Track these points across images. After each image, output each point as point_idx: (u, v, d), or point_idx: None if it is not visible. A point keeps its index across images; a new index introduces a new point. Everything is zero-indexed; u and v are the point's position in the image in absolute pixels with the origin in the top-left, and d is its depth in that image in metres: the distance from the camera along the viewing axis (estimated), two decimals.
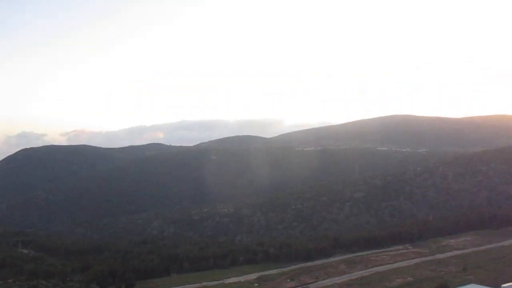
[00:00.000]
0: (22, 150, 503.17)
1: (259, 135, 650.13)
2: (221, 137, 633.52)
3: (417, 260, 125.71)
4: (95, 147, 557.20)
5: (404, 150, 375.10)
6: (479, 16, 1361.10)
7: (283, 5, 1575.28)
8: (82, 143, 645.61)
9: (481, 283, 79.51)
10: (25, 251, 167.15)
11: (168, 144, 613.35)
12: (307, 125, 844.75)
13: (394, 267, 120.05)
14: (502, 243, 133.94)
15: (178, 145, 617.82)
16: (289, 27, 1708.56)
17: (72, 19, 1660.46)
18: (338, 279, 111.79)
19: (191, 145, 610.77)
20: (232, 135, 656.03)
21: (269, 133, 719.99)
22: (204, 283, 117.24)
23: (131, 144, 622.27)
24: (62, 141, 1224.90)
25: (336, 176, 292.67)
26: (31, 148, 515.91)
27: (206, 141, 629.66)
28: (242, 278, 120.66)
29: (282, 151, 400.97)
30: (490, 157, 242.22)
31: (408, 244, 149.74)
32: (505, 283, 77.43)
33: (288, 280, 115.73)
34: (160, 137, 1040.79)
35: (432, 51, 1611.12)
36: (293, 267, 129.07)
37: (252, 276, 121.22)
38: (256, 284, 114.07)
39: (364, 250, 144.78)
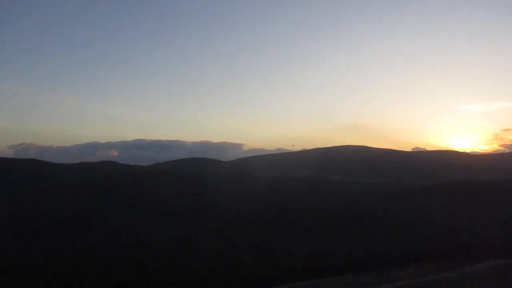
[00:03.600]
0: None
1: (217, 158, 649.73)
2: (179, 158, 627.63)
3: None
4: (44, 161, 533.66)
5: (356, 180, 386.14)
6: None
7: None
8: (30, 157, 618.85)
9: None
10: None
11: (123, 163, 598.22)
12: (264, 150, 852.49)
13: None
14: (448, 274, 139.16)
15: (133, 163, 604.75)
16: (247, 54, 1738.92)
17: None
18: None
19: (146, 164, 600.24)
20: (189, 156, 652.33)
21: (227, 157, 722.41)
22: None
23: (83, 161, 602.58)
24: (9, 154, 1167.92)
25: (290, 203, 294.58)
26: None
27: (163, 161, 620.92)
28: None
29: (238, 175, 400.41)
30: (436, 190, 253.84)
31: (357, 273, 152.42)
32: None
33: None
34: (114, 155, 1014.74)
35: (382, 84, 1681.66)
36: None
37: None
38: None
39: (316, 277, 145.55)
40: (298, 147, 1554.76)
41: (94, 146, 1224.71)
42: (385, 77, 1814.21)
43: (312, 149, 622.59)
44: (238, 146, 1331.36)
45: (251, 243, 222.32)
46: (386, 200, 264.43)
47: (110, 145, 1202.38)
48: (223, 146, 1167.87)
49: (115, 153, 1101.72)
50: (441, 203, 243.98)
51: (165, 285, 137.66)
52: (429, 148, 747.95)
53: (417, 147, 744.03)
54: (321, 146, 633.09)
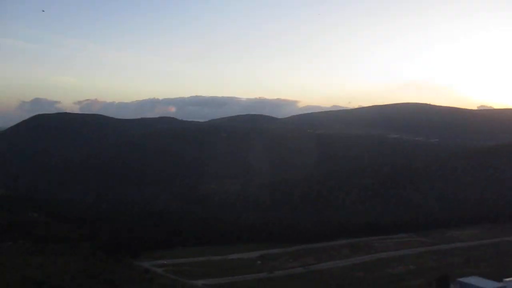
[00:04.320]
0: (36, 116, 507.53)
1: (271, 115, 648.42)
2: (233, 115, 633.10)
3: (421, 249, 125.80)
4: (107, 117, 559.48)
5: (415, 139, 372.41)
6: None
7: None
8: (94, 112, 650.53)
9: (483, 276, 79.31)
10: (36, 215, 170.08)
11: (180, 119, 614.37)
12: (319, 107, 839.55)
13: (397, 254, 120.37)
14: (508, 238, 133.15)
15: (190, 120, 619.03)
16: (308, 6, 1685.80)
17: None
18: (340, 263, 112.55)
19: (202, 120, 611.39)
20: (245, 113, 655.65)
21: (282, 114, 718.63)
22: (208, 257, 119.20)
23: (143, 117, 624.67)
24: (75, 109, 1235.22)
25: (346, 161, 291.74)
26: (45, 115, 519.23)
27: (217, 118, 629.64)
28: (245, 255, 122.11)
29: (293, 133, 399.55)
30: (502, 151, 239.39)
31: (413, 232, 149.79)
32: (507, 277, 77.20)
33: (291, 260, 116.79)
34: (171, 111, 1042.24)
35: (451, 40, 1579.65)
36: (296, 247, 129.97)
37: (255, 254, 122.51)
38: (259, 262, 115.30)
39: (368, 236, 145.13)
40: (354, 104, 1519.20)
41: (153, 102, 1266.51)
42: (450, 32, 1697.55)
43: (370, 107, 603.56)
44: (292, 103, 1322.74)
45: (305, 198, 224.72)
46: (447, 160, 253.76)
47: (168, 102, 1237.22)
48: (278, 103, 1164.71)
49: (172, 109, 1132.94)
50: (507, 164, 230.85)
51: (220, 236, 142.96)
52: (496, 106, 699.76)
53: (483, 106, 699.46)
54: (379, 104, 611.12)
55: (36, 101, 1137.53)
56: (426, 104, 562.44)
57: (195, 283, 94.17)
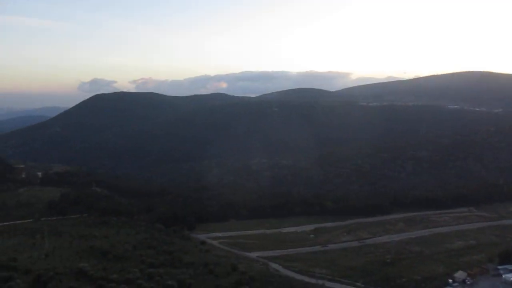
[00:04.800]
0: (95, 95, 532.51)
1: (322, 88, 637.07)
2: (285, 89, 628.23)
3: (482, 224, 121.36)
4: (161, 94, 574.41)
5: (477, 109, 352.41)
6: None
7: None
8: (149, 91, 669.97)
9: None
10: (98, 189, 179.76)
11: (231, 95, 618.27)
12: (373, 79, 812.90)
13: (456, 229, 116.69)
14: None
15: (241, 95, 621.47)
16: None
17: None
18: (396, 237, 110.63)
19: (253, 95, 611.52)
20: (295, 87, 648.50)
21: (334, 87, 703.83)
22: (261, 230, 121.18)
23: (196, 93, 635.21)
24: (131, 88, 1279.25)
25: (401, 133, 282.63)
26: (103, 94, 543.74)
27: (269, 92, 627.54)
28: (298, 229, 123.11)
29: (345, 106, 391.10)
30: None
31: (473, 207, 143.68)
32: None
33: (345, 234, 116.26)
34: (223, 87, 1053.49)
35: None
36: (349, 221, 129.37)
37: (309, 227, 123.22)
38: (312, 235, 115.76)
39: (425, 210, 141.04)
40: (410, 74, 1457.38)
41: (205, 79, 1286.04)
42: None
43: (427, 76, 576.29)
44: (345, 75, 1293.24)
45: (358, 172, 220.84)
46: (511, 131, 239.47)
47: (219, 78, 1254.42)
48: (330, 76, 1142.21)
49: (224, 85, 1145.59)
50: None
51: (273, 209, 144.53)
52: None
53: None
54: (436, 74, 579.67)
55: (95, 82, 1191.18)
56: (488, 72, 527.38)
57: (250, 255, 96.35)
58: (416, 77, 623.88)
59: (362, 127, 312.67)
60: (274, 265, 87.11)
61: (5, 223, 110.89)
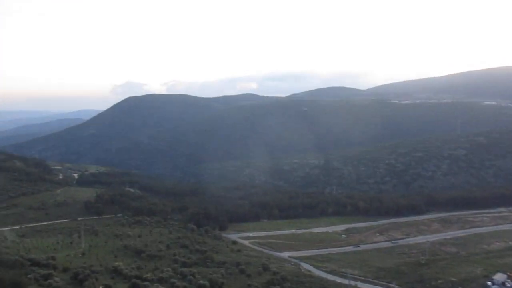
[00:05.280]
0: (127, 98, 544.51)
1: (353, 87, 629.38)
2: (314, 88, 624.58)
3: None
4: (191, 96, 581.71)
5: None
6: None
7: None
8: (179, 92, 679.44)
9: None
10: (132, 190, 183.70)
11: (261, 95, 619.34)
12: (404, 76, 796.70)
13: (494, 229, 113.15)
14: None
15: (270, 95, 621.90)
16: None
17: None
18: (430, 237, 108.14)
19: (283, 95, 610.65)
20: (324, 85, 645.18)
21: (363, 85, 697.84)
22: (293, 230, 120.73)
23: (225, 94, 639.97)
24: (162, 90, 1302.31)
25: (435, 132, 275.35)
26: (135, 97, 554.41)
27: (299, 91, 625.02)
28: (330, 229, 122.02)
29: (376, 104, 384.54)
30: None
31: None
32: None
33: (377, 234, 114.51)
34: (253, 88, 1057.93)
35: None
36: (382, 221, 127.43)
37: (340, 227, 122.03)
38: (344, 235, 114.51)
39: (461, 210, 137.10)
40: (442, 71, 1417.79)
41: (234, 80, 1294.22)
42: None
43: (460, 73, 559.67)
44: (374, 73, 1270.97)
45: (391, 171, 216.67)
46: None
47: (248, 78, 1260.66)
48: (359, 74, 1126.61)
49: (253, 85, 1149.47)
50: None
51: (304, 209, 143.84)
52: None
53: None
54: (471, 70, 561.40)
55: (127, 84, 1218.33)
56: None
57: (281, 255, 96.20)
58: (448, 74, 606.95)
59: (395, 126, 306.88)
60: (305, 265, 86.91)
61: (44, 223, 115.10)
